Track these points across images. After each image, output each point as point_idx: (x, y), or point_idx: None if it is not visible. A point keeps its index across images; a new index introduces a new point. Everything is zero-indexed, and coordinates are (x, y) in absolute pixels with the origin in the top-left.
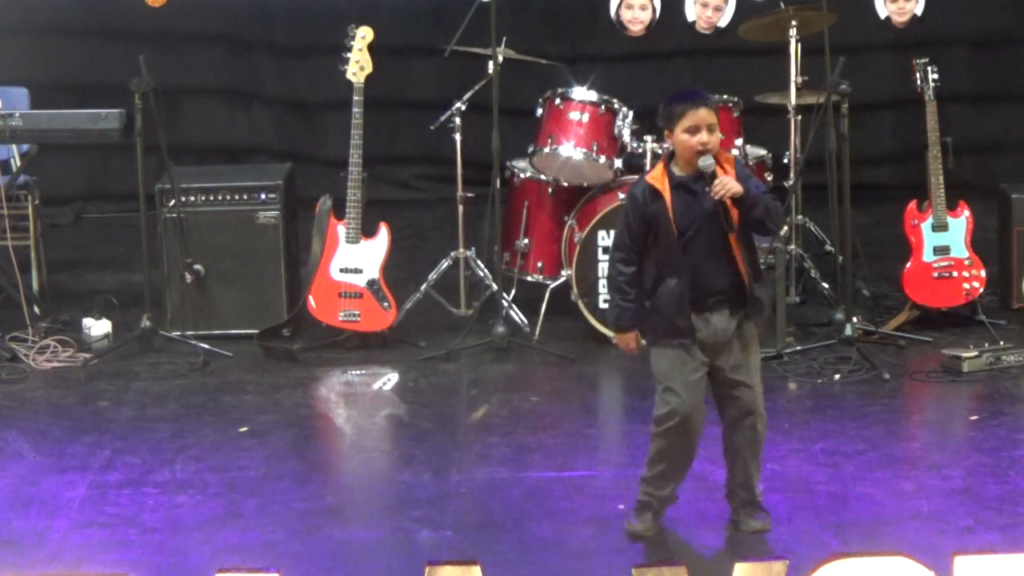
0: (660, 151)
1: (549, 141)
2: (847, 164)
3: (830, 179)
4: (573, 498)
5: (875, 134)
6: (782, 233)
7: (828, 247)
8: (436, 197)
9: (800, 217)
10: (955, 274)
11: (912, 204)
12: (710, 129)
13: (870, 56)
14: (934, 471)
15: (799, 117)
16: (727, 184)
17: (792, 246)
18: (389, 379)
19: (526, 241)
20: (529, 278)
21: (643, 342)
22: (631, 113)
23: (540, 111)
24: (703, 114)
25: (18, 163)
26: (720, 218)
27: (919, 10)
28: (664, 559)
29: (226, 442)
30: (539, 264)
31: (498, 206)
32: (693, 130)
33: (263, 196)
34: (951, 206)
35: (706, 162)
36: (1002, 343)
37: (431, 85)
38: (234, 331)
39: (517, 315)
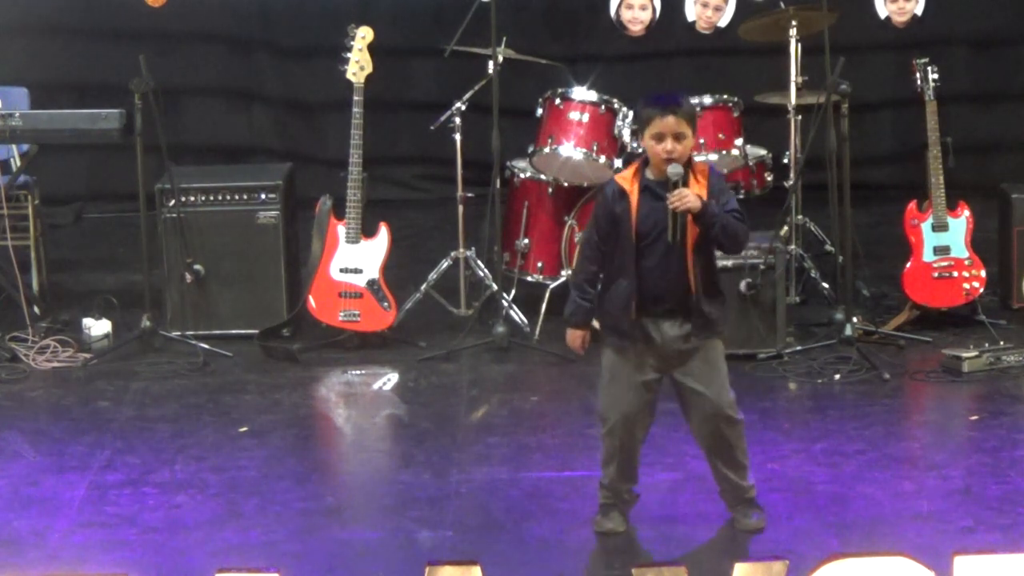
0: None
1: (549, 141)
2: (847, 164)
3: (830, 179)
4: (573, 498)
5: (875, 134)
6: (782, 233)
7: (828, 247)
8: (436, 197)
9: (800, 217)
10: (955, 274)
11: (912, 204)
12: (677, 138)
13: (870, 56)
14: (934, 471)
15: (799, 117)
16: (685, 197)
17: (792, 246)
18: (389, 379)
19: (526, 241)
20: (529, 278)
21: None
22: (631, 113)
23: (540, 111)
24: (670, 122)
25: (18, 163)
26: (671, 227)
27: (919, 10)
28: (664, 559)
29: (226, 442)
30: (539, 264)
31: (498, 206)
32: (659, 137)
33: (263, 196)
34: (951, 206)
35: (675, 170)
36: (1002, 343)
37: (431, 85)
38: (234, 331)
39: (517, 315)
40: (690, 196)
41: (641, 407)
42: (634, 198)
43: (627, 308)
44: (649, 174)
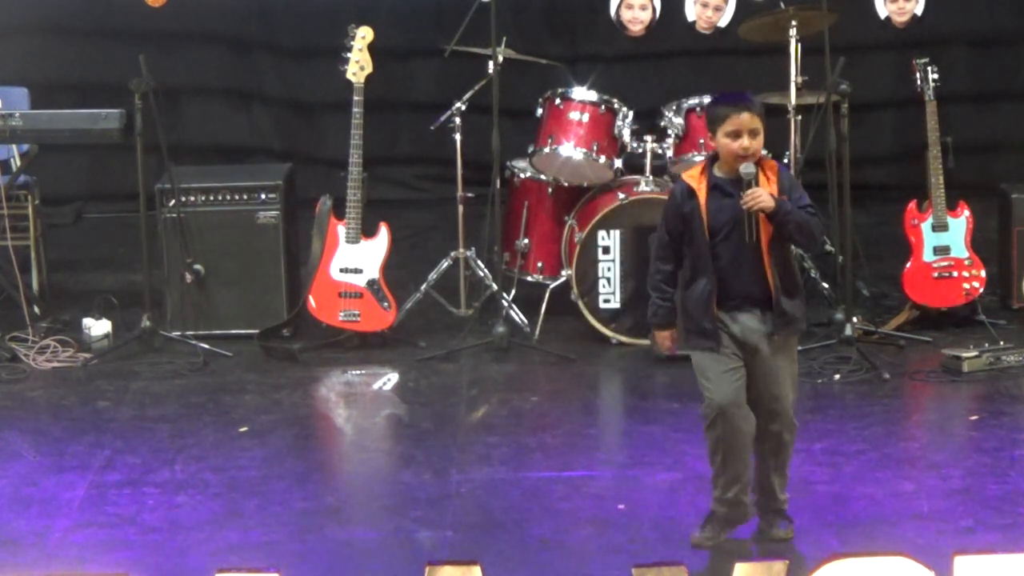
0: (660, 151)
1: (549, 141)
2: (847, 164)
3: (830, 179)
4: (573, 498)
5: (875, 134)
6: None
7: (828, 247)
8: (436, 197)
9: None
10: (955, 274)
11: (912, 204)
12: (752, 134)
13: (870, 56)
14: (934, 471)
15: (799, 117)
16: (758, 197)
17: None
18: (389, 379)
19: (526, 241)
20: (529, 278)
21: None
22: (631, 113)
23: (540, 111)
24: (746, 118)
25: (18, 163)
26: (744, 226)
27: (919, 10)
28: (664, 559)
29: (226, 442)
30: (539, 264)
31: (498, 206)
32: (734, 135)
33: (263, 196)
34: (951, 206)
35: (748, 169)
36: (1002, 343)
37: (431, 85)
38: (234, 331)
39: (517, 315)
40: (764, 195)
41: (738, 396)
42: (703, 196)
43: (708, 307)
44: (717, 172)
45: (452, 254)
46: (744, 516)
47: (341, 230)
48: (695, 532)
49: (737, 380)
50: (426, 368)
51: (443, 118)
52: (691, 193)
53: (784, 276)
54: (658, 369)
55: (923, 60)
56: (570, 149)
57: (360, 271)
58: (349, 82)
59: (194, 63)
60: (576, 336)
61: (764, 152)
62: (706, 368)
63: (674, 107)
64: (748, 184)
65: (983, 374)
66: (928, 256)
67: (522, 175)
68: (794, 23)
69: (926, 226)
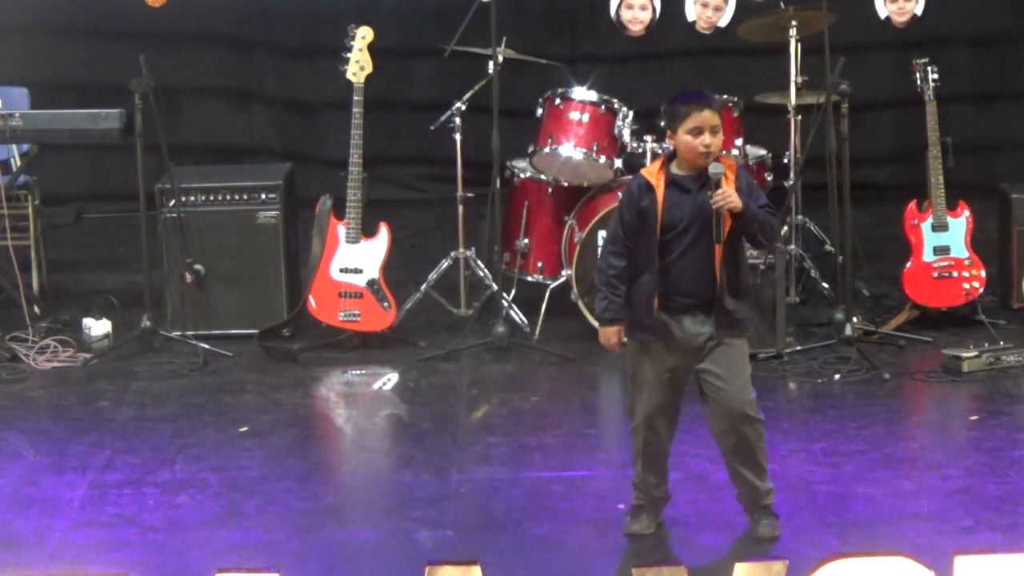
0: (660, 151)
1: (549, 141)
2: (847, 164)
3: (830, 179)
4: (573, 498)
5: (875, 134)
6: (782, 233)
7: (828, 247)
8: (436, 197)
9: (800, 217)
10: (955, 274)
11: (912, 204)
12: (713, 131)
13: (870, 56)
14: (934, 471)
15: (799, 117)
16: (729, 197)
17: (792, 246)
18: (389, 379)
19: (526, 241)
20: (529, 278)
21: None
22: (631, 113)
23: (540, 111)
24: (707, 116)
25: (18, 163)
26: (711, 226)
27: (919, 10)
28: (664, 559)
29: (226, 442)
30: (539, 264)
31: (498, 206)
32: (696, 132)
33: (263, 196)
34: (951, 206)
35: (716, 169)
36: (1002, 343)
37: (431, 85)
38: (234, 331)
39: (517, 315)
40: (733, 195)
41: (664, 404)
42: (660, 192)
43: (649, 303)
44: (675, 168)
45: (452, 254)
46: (666, 500)
47: (341, 230)
48: (630, 524)
49: (667, 387)
50: (426, 368)
51: (443, 118)
52: (649, 188)
53: (732, 276)
54: None
55: (923, 60)
56: (570, 149)
57: (360, 271)
58: (349, 82)
59: (194, 63)
60: (576, 336)
61: (723, 151)
62: (640, 372)
63: None
64: (717, 183)
65: (983, 374)
66: (928, 256)
67: (522, 175)
68: (794, 23)
69: (926, 226)
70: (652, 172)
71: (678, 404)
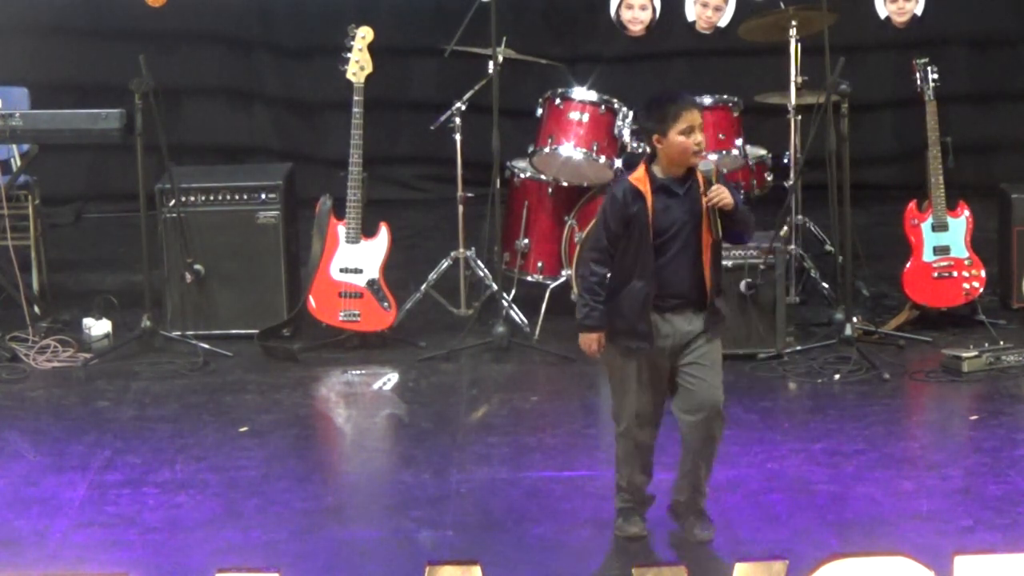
0: None
1: (549, 141)
2: (847, 164)
3: (830, 179)
4: (573, 498)
5: (875, 134)
6: (782, 233)
7: (828, 247)
8: (436, 197)
9: (800, 217)
10: (955, 274)
11: (912, 204)
12: (700, 129)
13: (870, 56)
14: (934, 471)
15: (799, 117)
16: (723, 193)
17: (792, 246)
18: (389, 379)
19: (526, 241)
20: (529, 278)
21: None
22: (631, 113)
23: (540, 111)
24: (696, 114)
25: (18, 163)
26: (708, 224)
27: (919, 10)
28: (664, 559)
29: (226, 442)
30: (539, 264)
31: (498, 206)
32: (688, 131)
33: (263, 196)
34: (951, 206)
35: (707, 167)
36: (1002, 343)
37: (431, 85)
38: (234, 331)
39: (517, 315)
40: (726, 192)
41: (651, 405)
42: (650, 198)
43: (644, 308)
44: (658, 172)
45: (452, 254)
46: (652, 500)
47: (341, 230)
48: (625, 527)
49: (652, 391)
50: (426, 368)
51: (443, 118)
52: (638, 195)
53: (715, 275)
54: None
55: (923, 60)
56: (570, 149)
57: (360, 271)
58: (349, 82)
59: (194, 63)
60: (576, 336)
61: (723, 151)
62: (625, 375)
63: None
64: (709, 181)
65: (983, 374)
66: (928, 256)
67: (522, 175)
68: (794, 23)
69: (926, 226)
70: (640, 179)
71: (662, 404)
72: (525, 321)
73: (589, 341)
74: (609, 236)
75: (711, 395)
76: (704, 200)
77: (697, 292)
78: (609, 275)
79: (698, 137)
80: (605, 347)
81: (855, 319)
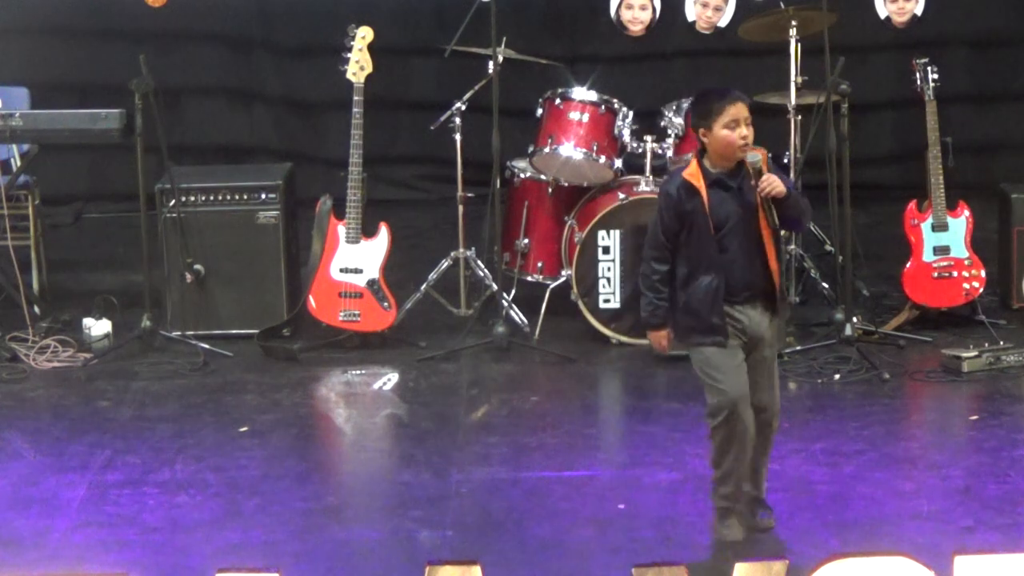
0: (660, 151)
1: (549, 141)
2: (847, 164)
3: (830, 179)
4: (573, 498)
5: (875, 134)
6: (781, 234)
7: (828, 247)
8: (436, 197)
9: None
10: (955, 274)
11: (912, 204)
12: (747, 123)
13: (870, 56)
14: (934, 471)
15: (799, 117)
16: (774, 182)
17: (792, 246)
18: (389, 379)
19: (526, 241)
20: (529, 278)
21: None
22: (631, 113)
23: (540, 111)
24: (741, 108)
25: (18, 163)
26: (764, 214)
27: (919, 10)
28: (664, 559)
29: (226, 442)
30: (539, 264)
31: (498, 206)
32: (733, 124)
33: (263, 196)
34: (951, 206)
35: (754, 158)
36: (1002, 343)
37: (431, 85)
38: (234, 331)
39: (517, 315)
40: (777, 180)
41: (746, 390)
42: (705, 193)
43: (715, 302)
44: (710, 166)
45: (452, 254)
46: (754, 497)
47: (341, 230)
48: (722, 531)
49: (744, 374)
50: (426, 368)
51: (443, 118)
52: (692, 191)
53: (779, 264)
54: (658, 369)
55: (923, 60)
56: (570, 149)
57: (360, 271)
58: (349, 82)
59: (194, 63)
60: (576, 336)
61: None
62: (717, 364)
63: (674, 107)
64: (759, 172)
65: (983, 374)
66: (928, 256)
67: (522, 175)
68: (794, 23)
69: (926, 226)
70: (694, 174)
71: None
72: (525, 321)
73: (659, 338)
74: (666, 232)
75: (775, 397)
76: (757, 192)
77: (765, 282)
78: (668, 270)
79: (743, 131)
80: (686, 347)
81: (855, 319)
